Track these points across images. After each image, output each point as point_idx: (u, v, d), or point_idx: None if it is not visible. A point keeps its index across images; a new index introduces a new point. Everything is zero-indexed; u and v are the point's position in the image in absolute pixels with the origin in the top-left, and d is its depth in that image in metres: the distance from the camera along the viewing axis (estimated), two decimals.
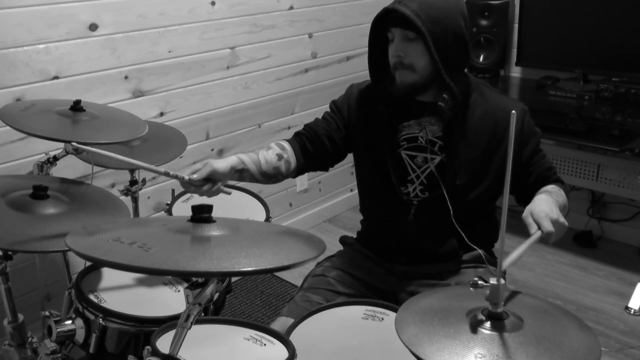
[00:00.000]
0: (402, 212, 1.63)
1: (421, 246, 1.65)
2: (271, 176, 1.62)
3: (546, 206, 1.40)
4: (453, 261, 1.66)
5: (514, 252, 1.25)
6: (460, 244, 1.63)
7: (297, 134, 1.70)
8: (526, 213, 1.41)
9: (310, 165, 1.70)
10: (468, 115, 1.57)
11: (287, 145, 1.66)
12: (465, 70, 1.62)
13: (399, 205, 1.63)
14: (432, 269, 1.65)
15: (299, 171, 1.68)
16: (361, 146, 1.68)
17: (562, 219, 1.38)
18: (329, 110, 1.73)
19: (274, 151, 1.63)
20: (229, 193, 1.55)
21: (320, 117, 1.74)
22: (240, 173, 1.57)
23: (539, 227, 1.35)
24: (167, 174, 1.45)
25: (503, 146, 1.56)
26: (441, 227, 1.61)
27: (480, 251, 1.64)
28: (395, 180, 1.61)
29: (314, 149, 1.67)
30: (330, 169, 1.75)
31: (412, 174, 1.62)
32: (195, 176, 1.46)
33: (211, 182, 1.48)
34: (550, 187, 1.55)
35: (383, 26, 1.55)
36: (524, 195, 1.57)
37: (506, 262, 1.22)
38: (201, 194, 1.49)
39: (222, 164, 1.51)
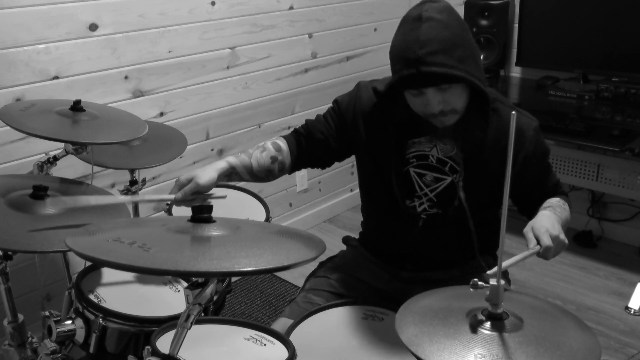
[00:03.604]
0: (408, 224, 1.59)
1: (427, 255, 1.62)
2: (261, 177, 1.60)
3: (548, 222, 1.38)
4: (458, 269, 1.64)
5: (505, 262, 1.23)
6: (467, 254, 1.62)
7: (295, 132, 1.66)
8: (527, 228, 1.39)
9: (305, 163, 1.67)
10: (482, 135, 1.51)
11: (283, 145, 1.62)
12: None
13: (404, 217, 1.59)
14: (438, 275, 1.63)
15: (293, 169, 1.65)
16: (365, 154, 1.62)
17: (562, 236, 1.36)
18: (331, 107, 1.66)
19: (268, 153, 1.59)
20: (224, 197, 1.50)
21: (321, 115, 1.67)
22: (229, 177, 1.54)
23: (538, 242, 1.34)
24: (150, 202, 1.42)
25: (516, 169, 1.48)
26: (449, 238, 1.59)
27: (482, 261, 1.64)
28: (400, 196, 1.57)
29: (310, 150, 1.63)
30: (328, 168, 1.72)
31: (419, 191, 1.57)
32: (179, 195, 1.43)
33: (200, 195, 1.45)
34: (554, 201, 1.53)
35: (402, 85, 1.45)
36: (529, 210, 1.55)
37: (493, 270, 1.20)
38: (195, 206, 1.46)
39: (207, 177, 1.45)
